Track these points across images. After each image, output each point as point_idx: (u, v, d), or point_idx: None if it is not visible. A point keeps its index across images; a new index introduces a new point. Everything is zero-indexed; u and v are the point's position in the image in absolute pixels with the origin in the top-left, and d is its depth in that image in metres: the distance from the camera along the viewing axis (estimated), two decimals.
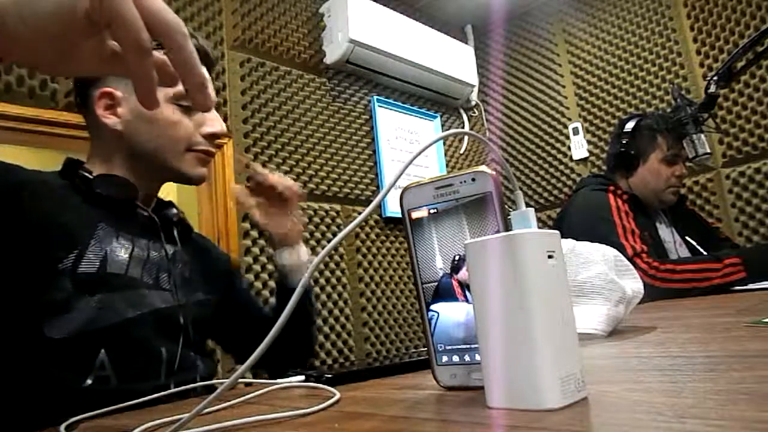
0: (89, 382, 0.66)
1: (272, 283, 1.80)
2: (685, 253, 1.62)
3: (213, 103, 0.41)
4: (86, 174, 0.78)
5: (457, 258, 0.40)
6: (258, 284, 1.77)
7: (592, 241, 0.70)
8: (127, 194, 0.79)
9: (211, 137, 0.86)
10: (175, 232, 0.86)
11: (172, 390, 0.59)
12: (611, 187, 1.57)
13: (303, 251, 0.99)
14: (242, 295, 1.03)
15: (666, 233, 1.63)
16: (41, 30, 0.36)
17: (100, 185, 0.77)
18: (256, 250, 1.79)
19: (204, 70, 0.39)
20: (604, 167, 1.85)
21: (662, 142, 1.58)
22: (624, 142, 1.62)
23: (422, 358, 0.56)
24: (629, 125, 1.63)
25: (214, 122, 0.85)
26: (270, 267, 1.81)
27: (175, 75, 0.40)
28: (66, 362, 0.66)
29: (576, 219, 1.59)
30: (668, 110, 1.68)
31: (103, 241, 0.73)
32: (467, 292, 0.38)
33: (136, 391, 0.53)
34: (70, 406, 0.47)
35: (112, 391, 0.67)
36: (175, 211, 0.90)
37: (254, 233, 1.79)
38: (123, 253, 0.75)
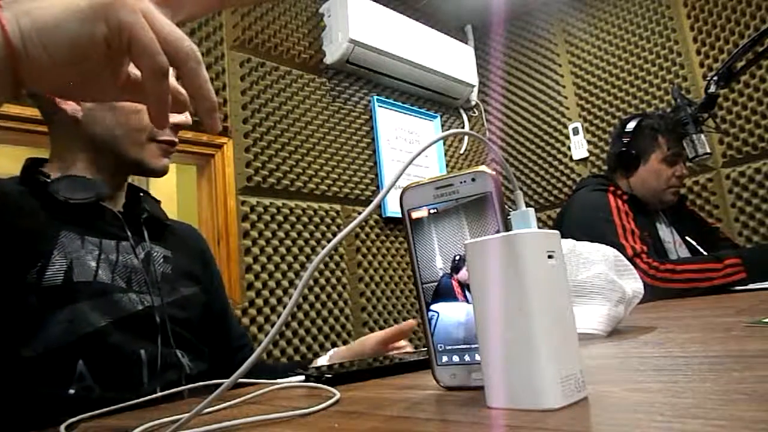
0: (72, 392, 0.65)
1: (272, 284, 1.80)
2: (684, 253, 1.62)
3: (220, 127, 0.42)
4: (44, 178, 0.74)
5: (457, 258, 0.40)
6: (258, 284, 1.77)
7: (592, 242, 0.70)
8: (88, 195, 0.75)
9: (175, 127, 0.82)
10: (145, 232, 0.82)
11: (160, 394, 0.57)
12: (611, 188, 1.57)
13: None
14: (223, 322, 0.95)
15: (666, 233, 1.63)
16: (61, 56, 0.36)
17: (59, 189, 0.73)
18: (256, 250, 1.79)
19: (214, 96, 0.40)
20: (604, 167, 1.85)
21: (663, 142, 1.58)
22: (625, 141, 1.62)
23: (422, 358, 0.56)
24: (630, 125, 1.63)
25: None
26: (270, 267, 1.81)
27: (186, 102, 0.42)
28: (45, 377, 0.65)
29: (576, 219, 1.59)
30: (668, 110, 1.68)
31: (67, 250, 0.71)
32: (467, 292, 0.38)
33: (121, 397, 0.53)
34: (56, 416, 0.47)
35: (97, 399, 0.66)
36: (145, 206, 0.85)
37: (254, 233, 1.80)
38: (90, 259, 0.72)
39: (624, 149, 1.62)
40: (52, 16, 0.36)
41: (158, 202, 0.91)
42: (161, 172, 0.83)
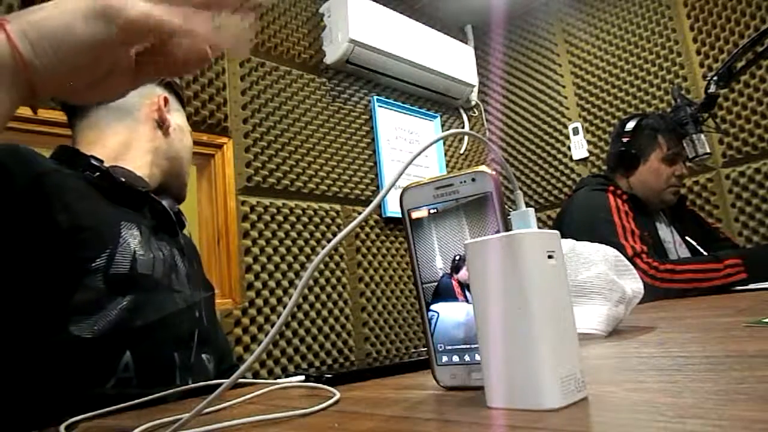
0: (111, 383, 0.65)
1: (272, 284, 1.80)
2: (684, 253, 1.62)
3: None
4: (99, 164, 0.74)
5: (457, 258, 0.40)
6: (258, 284, 1.77)
7: (591, 242, 0.70)
8: (143, 187, 0.78)
9: None
10: (179, 229, 0.86)
11: (176, 390, 0.57)
12: (611, 187, 1.57)
13: None
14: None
15: (666, 233, 1.63)
16: (75, 61, 0.37)
17: (120, 176, 0.74)
18: (256, 250, 1.79)
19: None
20: (604, 167, 1.85)
21: (663, 141, 1.59)
22: (625, 141, 1.63)
23: (422, 358, 0.56)
24: (630, 125, 1.64)
25: None
26: (270, 267, 1.81)
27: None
28: (90, 362, 0.64)
29: (576, 219, 1.59)
30: (668, 110, 1.68)
31: (128, 240, 0.71)
32: (467, 292, 0.38)
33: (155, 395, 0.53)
34: (89, 408, 0.47)
35: (132, 394, 0.66)
36: (172, 203, 0.88)
37: (254, 233, 1.80)
38: (146, 253, 0.74)
39: (624, 149, 1.62)
40: (62, 22, 0.36)
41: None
42: (184, 199, 0.95)
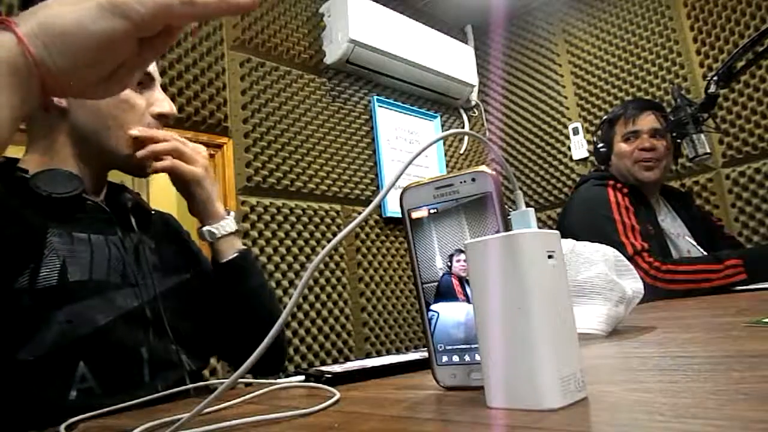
0: (73, 396, 0.64)
1: (272, 284, 1.80)
2: (692, 244, 1.60)
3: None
4: (22, 174, 0.70)
5: (450, 254, 0.40)
6: None
7: (592, 239, 0.70)
8: (71, 188, 0.72)
9: (161, 117, 0.81)
10: (133, 221, 0.79)
11: (161, 393, 0.55)
12: (611, 181, 1.57)
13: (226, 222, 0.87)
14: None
15: (670, 225, 1.62)
16: (88, 58, 0.37)
17: (39, 184, 0.70)
18: (256, 250, 1.79)
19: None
20: (602, 167, 1.86)
21: (618, 126, 1.64)
22: (594, 141, 1.74)
23: (422, 358, 0.56)
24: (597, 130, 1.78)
25: (163, 102, 0.81)
26: (270, 267, 1.81)
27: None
28: (45, 381, 0.63)
29: (577, 216, 1.59)
30: (668, 110, 1.68)
31: (58, 249, 0.68)
32: (467, 288, 0.38)
33: (123, 399, 0.52)
34: (57, 420, 0.46)
35: (98, 402, 0.65)
36: (129, 196, 0.83)
37: (254, 233, 1.80)
38: (83, 257, 0.70)
39: (595, 148, 1.72)
40: (74, 20, 0.36)
41: (137, 194, 0.87)
42: (144, 170, 0.81)
